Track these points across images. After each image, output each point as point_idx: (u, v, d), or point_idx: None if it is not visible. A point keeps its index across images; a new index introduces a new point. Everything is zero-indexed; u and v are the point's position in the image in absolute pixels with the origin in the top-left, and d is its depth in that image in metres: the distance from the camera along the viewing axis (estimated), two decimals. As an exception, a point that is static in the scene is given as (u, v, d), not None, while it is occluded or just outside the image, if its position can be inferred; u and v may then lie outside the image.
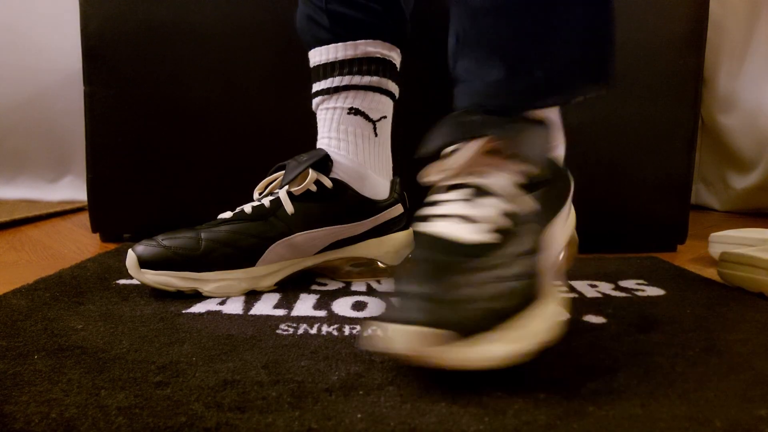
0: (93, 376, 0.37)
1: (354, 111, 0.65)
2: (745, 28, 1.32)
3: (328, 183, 0.62)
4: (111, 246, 0.86)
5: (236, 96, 0.84)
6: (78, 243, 0.89)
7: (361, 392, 0.36)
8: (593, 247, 0.87)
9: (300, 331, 0.47)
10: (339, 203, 0.63)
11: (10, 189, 1.41)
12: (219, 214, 0.62)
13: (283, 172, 0.62)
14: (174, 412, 0.33)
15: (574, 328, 0.49)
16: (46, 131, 1.40)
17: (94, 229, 0.90)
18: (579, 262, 0.76)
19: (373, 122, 0.66)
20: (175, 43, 0.83)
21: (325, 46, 0.64)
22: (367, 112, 0.65)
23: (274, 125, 0.84)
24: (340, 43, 0.63)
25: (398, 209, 0.67)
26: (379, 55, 0.65)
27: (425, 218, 0.43)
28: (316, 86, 0.66)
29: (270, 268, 0.60)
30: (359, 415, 0.33)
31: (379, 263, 0.66)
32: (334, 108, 0.65)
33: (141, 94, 0.84)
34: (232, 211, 0.62)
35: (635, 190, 0.87)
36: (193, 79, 0.84)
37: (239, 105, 0.84)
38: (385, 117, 0.67)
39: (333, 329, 0.48)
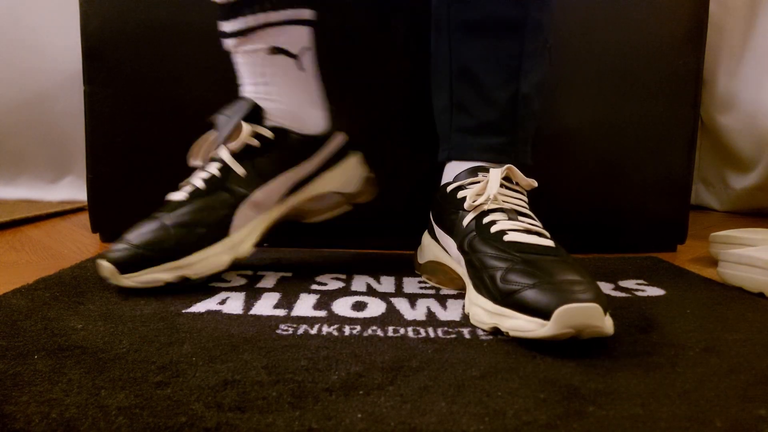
0: (93, 376, 0.37)
1: (275, 50, 0.62)
2: (745, 28, 1.32)
3: (268, 133, 0.61)
4: (110, 246, 0.86)
5: (235, 96, 0.84)
6: (78, 243, 0.89)
7: (361, 392, 0.36)
8: (593, 247, 0.87)
9: (300, 331, 0.47)
10: (285, 149, 0.62)
11: (10, 189, 1.41)
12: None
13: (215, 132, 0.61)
14: (174, 412, 0.33)
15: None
16: (47, 132, 1.40)
17: (94, 229, 0.90)
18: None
19: (296, 57, 0.63)
20: (175, 43, 0.83)
21: None
22: (288, 48, 0.63)
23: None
24: None
25: (341, 137, 0.67)
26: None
27: (504, 232, 0.53)
28: (228, 26, 0.62)
29: (242, 233, 0.61)
30: (359, 415, 0.33)
31: (340, 193, 0.68)
32: (255, 51, 0.62)
33: (141, 94, 0.84)
34: (178, 189, 0.61)
35: (635, 190, 0.87)
36: (193, 79, 0.84)
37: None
38: (308, 48, 0.65)
39: (333, 329, 0.48)
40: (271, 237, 0.64)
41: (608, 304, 0.44)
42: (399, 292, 0.61)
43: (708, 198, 1.48)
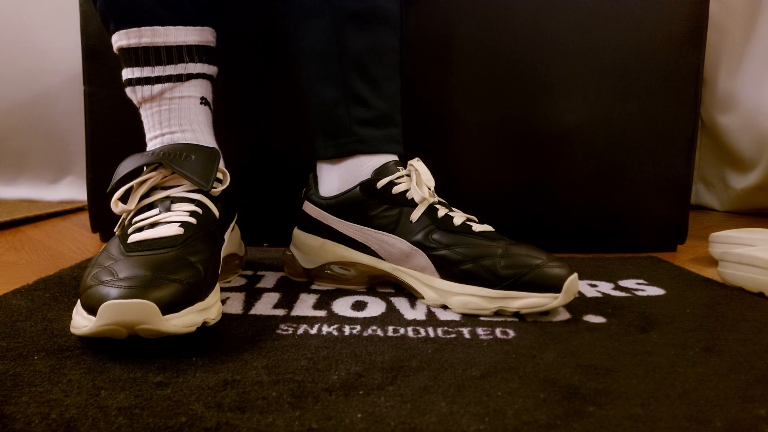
0: (93, 377, 0.37)
1: (204, 101, 0.62)
2: (745, 28, 1.32)
3: (226, 181, 0.58)
4: (111, 246, 0.86)
5: (234, 95, 0.84)
6: (78, 243, 0.89)
7: (361, 392, 0.36)
8: (593, 247, 0.87)
9: (300, 331, 0.47)
10: (229, 197, 0.60)
11: (10, 189, 1.41)
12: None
13: (152, 173, 0.54)
14: (174, 412, 0.33)
15: (574, 328, 0.49)
16: (48, 132, 1.40)
17: (94, 229, 0.90)
18: (579, 262, 0.76)
19: (212, 113, 0.64)
20: (175, 43, 0.83)
21: (175, 27, 0.58)
22: (211, 102, 0.63)
23: (273, 125, 0.84)
24: (191, 27, 0.59)
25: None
26: (212, 44, 0.63)
27: (468, 223, 0.58)
28: (158, 70, 0.59)
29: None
30: (359, 415, 0.33)
31: (237, 255, 0.66)
32: (189, 97, 0.60)
33: (141, 94, 0.84)
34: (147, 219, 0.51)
35: (635, 190, 0.87)
36: (193, 79, 0.84)
37: (237, 104, 0.84)
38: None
39: (333, 329, 0.48)
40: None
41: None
42: (399, 291, 0.61)
43: (708, 198, 1.48)
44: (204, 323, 0.44)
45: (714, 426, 0.32)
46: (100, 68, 0.83)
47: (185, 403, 0.34)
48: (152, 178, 0.54)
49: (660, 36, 0.83)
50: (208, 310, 0.45)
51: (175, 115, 0.60)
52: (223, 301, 0.56)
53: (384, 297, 0.58)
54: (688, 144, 0.86)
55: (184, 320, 0.41)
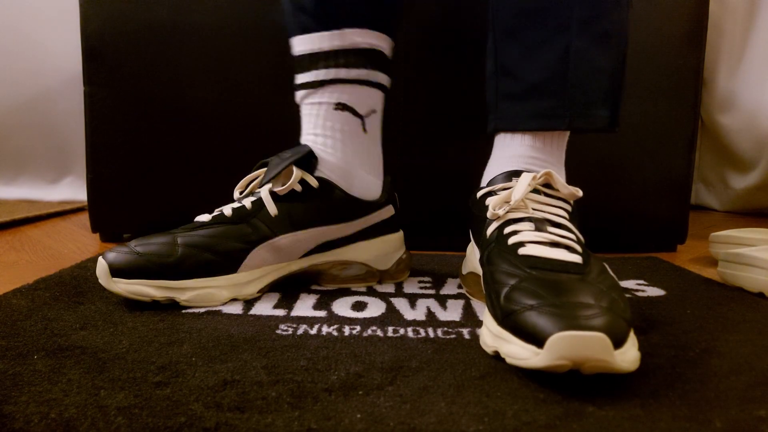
0: (93, 376, 0.37)
1: (341, 106, 0.61)
2: (744, 28, 1.32)
3: (313, 182, 0.59)
4: (111, 246, 0.86)
5: (235, 96, 0.84)
6: (78, 243, 0.89)
7: (360, 392, 0.36)
8: (593, 247, 0.87)
9: (300, 331, 0.47)
10: (325, 203, 0.59)
11: (10, 189, 1.41)
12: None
13: (265, 169, 0.59)
14: (174, 412, 0.33)
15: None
16: (48, 132, 1.40)
17: (94, 229, 0.90)
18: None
19: (362, 118, 0.63)
20: (175, 43, 0.83)
21: (309, 35, 0.60)
22: (355, 107, 0.62)
23: (274, 125, 0.84)
24: (325, 32, 0.60)
25: (389, 210, 0.65)
26: (367, 46, 0.61)
27: (521, 244, 0.47)
28: (301, 78, 0.62)
29: (253, 274, 0.57)
30: (359, 415, 0.33)
31: (368, 266, 0.63)
32: (320, 103, 0.62)
33: (141, 94, 0.84)
34: (210, 213, 0.58)
35: (635, 190, 0.87)
36: (193, 79, 0.84)
37: (238, 105, 0.84)
38: (374, 111, 0.64)
39: (333, 329, 0.48)
40: (282, 287, 0.60)
41: (631, 335, 0.38)
42: (399, 292, 0.61)
43: (708, 198, 1.48)
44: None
45: (714, 426, 0.32)
46: (100, 68, 0.83)
47: (185, 403, 0.34)
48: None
49: (660, 36, 0.83)
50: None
51: (310, 120, 0.63)
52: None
53: (384, 297, 0.58)
54: (688, 144, 0.86)
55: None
